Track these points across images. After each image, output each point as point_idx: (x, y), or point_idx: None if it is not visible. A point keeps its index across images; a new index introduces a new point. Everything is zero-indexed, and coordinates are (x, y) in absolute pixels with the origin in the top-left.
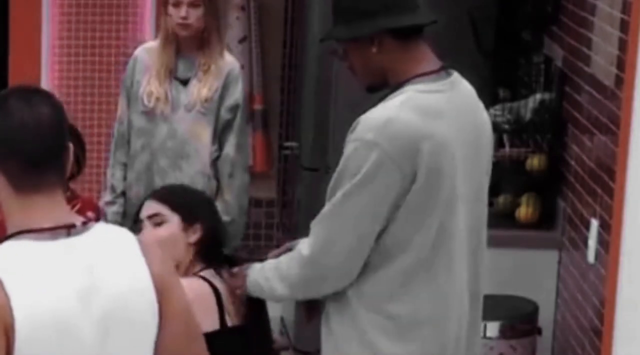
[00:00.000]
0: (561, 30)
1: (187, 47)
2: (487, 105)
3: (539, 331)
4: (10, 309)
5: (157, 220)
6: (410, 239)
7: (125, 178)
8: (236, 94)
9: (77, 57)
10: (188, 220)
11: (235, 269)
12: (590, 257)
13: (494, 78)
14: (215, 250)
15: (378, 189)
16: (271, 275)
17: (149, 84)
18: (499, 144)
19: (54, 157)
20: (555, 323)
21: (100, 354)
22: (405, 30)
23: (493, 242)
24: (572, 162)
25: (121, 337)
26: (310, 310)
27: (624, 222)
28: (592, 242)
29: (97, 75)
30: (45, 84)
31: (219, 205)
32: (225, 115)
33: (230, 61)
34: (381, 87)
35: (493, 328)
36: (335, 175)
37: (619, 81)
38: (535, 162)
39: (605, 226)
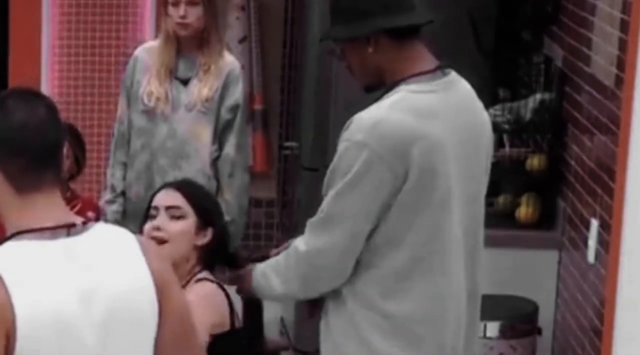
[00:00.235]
0: (561, 30)
1: (188, 47)
2: (487, 105)
3: (539, 331)
4: (11, 309)
5: (176, 213)
6: (403, 237)
7: (125, 177)
8: (236, 94)
9: (77, 57)
10: (203, 223)
11: (241, 271)
12: (590, 257)
13: (494, 78)
14: (218, 258)
15: (369, 189)
16: (270, 275)
17: (149, 84)
18: (499, 144)
19: (53, 156)
20: (555, 323)
21: (100, 353)
22: (401, 30)
23: (493, 242)
24: (572, 162)
25: (121, 336)
26: (312, 306)
27: (624, 222)
28: (592, 242)
29: (97, 75)
30: (45, 84)
31: None
32: (225, 115)
33: (230, 61)
34: (378, 86)
35: (493, 328)
36: (328, 172)
37: (619, 81)
38: (535, 162)
39: (605, 226)
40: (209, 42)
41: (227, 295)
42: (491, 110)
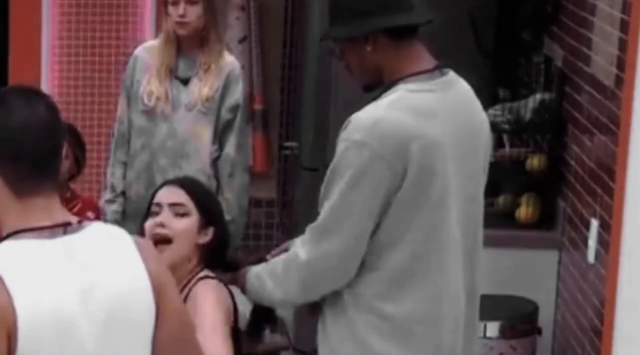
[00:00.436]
0: (561, 30)
1: (188, 47)
2: (487, 105)
3: (539, 331)
4: (12, 309)
5: (181, 211)
6: (402, 237)
7: (125, 177)
8: (237, 94)
9: (77, 57)
10: (205, 221)
11: (235, 274)
12: (590, 257)
13: (494, 78)
14: (218, 258)
15: (369, 188)
16: (268, 281)
17: (149, 83)
18: (499, 144)
19: (53, 160)
20: (555, 323)
21: (98, 352)
22: (400, 30)
23: (493, 242)
24: (572, 162)
25: (119, 335)
26: (313, 306)
27: (624, 222)
28: (592, 242)
29: (97, 75)
30: (45, 84)
31: None
32: (225, 115)
33: (230, 61)
34: (377, 85)
35: (493, 328)
36: (327, 173)
37: (619, 81)
38: (535, 162)
39: (605, 226)
40: (209, 41)
41: (231, 294)
42: (491, 110)
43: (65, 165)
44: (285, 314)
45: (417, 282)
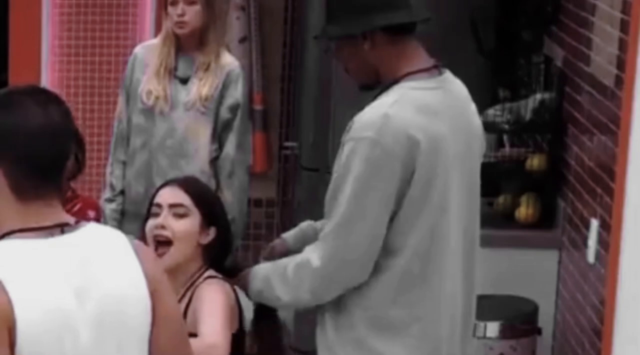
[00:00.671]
0: (561, 30)
1: (187, 46)
2: (487, 105)
3: (539, 331)
4: (11, 308)
5: (181, 211)
6: (406, 239)
7: (124, 176)
8: (236, 94)
9: (77, 57)
10: (206, 221)
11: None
12: (590, 257)
13: (494, 78)
14: (221, 258)
15: (384, 185)
16: (277, 285)
17: (148, 82)
18: (499, 144)
19: (60, 165)
20: (555, 323)
21: (95, 352)
22: (398, 28)
23: (493, 242)
24: (572, 162)
25: (116, 336)
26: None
27: (624, 222)
28: (592, 242)
29: (97, 75)
30: (45, 84)
31: None
32: (225, 114)
33: (230, 61)
34: (374, 84)
35: (493, 328)
36: (335, 179)
37: (619, 81)
38: (535, 162)
39: (605, 226)
40: (208, 41)
41: (236, 295)
42: (491, 110)
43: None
44: (285, 314)
45: (419, 283)
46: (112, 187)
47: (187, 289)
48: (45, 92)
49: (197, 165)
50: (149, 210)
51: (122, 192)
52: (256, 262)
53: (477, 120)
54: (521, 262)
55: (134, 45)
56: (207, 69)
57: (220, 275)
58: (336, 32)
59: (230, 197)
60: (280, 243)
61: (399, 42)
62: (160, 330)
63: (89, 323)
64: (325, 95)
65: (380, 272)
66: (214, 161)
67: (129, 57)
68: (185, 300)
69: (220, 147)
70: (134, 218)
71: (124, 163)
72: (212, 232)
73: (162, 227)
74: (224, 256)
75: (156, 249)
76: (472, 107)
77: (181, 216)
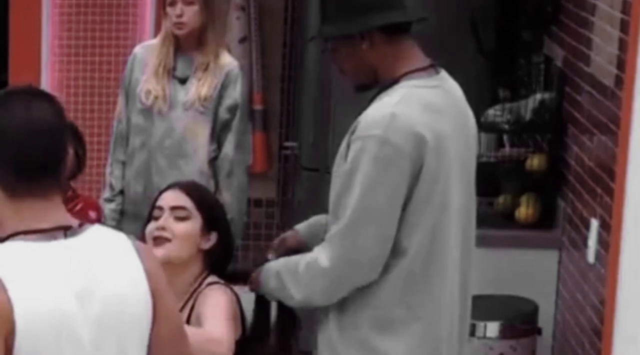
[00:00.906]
0: (561, 30)
1: (186, 46)
2: (487, 105)
3: (539, 331)
4: (11, 310)
5: (182, 214)
6: (409, 239)
7: (123, 176)
8: (235, 94)
9: (77, 57)
10: (208, 226)
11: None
12: (590, 257)
13: (494, 78)
14: (222, 264)
15: (393, 184)
16: (289, 283)
17: (147, 82)
18: (499, 144)
19: (49, 164)
20: (555, 323)
21: (96, 353)
22: (395, 27)
23: (493, 242)
24: (572, 162)
25: (116, 337)
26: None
27: (624, 222)
28: (592, 242)
29: (97, 75)
30: (45, 84)
31: None
32: (224, 115)
33: (229, 61)
34: (372, 85)
35: (493, 328)
36: (342, 175)
37: (619, 81)
38: (535, 162)
39: (605, 226)
40: (207, 41)
41: (239, 301)
42: (491, 110)
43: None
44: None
45: (421, 283)
46: (112, 187)
47: (190, 297)
48: (33, 91)
49: (196, 165)
50: (150, 213)
51: (122, 192)
52: (256, 262)
53: (472, 120)
54: (521, 262)
55: (134, 45)
56: (206, 69)
57: (222, 281)
58: (333, 33)
59: (229, 198)
60: (292, 234)
61: (396, 42)
62: (161, 328)
63: (89, 324)
64: (325, 95)
65: (386, 271)
66: (213, 161)
67: (129, 57)
68: (188, 307)
69: (219, 147)
70: (133, 218)
71: (123, 163)
72: (213, 238)
73: (163, 228)
74: (226, 262)
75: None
76: (468, 107)
77: (182, 219)
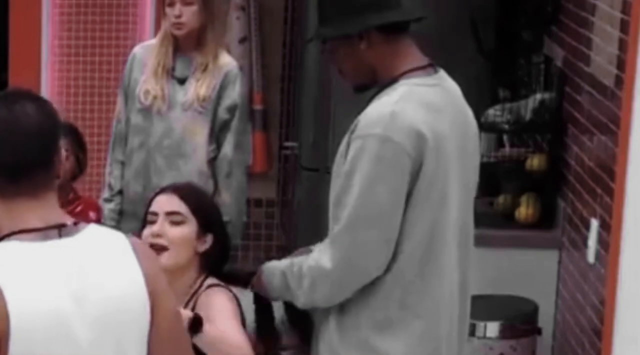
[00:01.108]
0: (561, 30)
1: (185, 46)
2: (487, 105)
3: (539, 331)
4: (5, 310)
5: (177, 219)
6: (408, 237)
7: (122, 176)
8: (234, 94)
9: (77, 57)
10: (203, 229)
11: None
12: (590, 257)
13: (494, 78)
14: (219, 266)
15: (394, 181)
16: (292, 284)
17: (146, 82)
18: (499, 144)
19: (37, 164)
20: (555, 323)
21: (93, 353)
22: (393, 26)
23: (493, 242)
24: (572, 162)
25: (114, 337)
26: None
27: (624, 222)
28: (592, 242)
29: (97, 75)
30: (45, 84)
31: None
32: (223, 115)
33: (228, 62)
34: (370, 85)
35: (493, 328)
36: (342, 178)
37: (619, 81)
38: (535, 162)
39: (605, 226)
40: (205, 42)
41: (238, 303)
42: (491, 110)
43: (67, 165)
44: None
45: (420, 282)
46: (111, 187)
47: (189, 299)
48: (17, 93)
49: (194, 166)
50: (145, 218)
51: (121, 192)
52: (256, 262)
53: (472, 119)
54: (521, 262)
55: (133, 45)
56: (205, 69)
57: (222, 283)
58: (331, 33)
59: (229, 198)
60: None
61: (394, 41)
62: (160, 328)
63: (87, 325)
64: (325, 95)
65: (387, 270)
66: (212, 161)
67: (129, 57)
68: (188, 310)
69: (218, 147)
70: (132, 218)
71: (123, 163)
72: (209, 240)
73: (158, 235)
74: (222, 263)
75: None
76: (467, 106)
77: (177, 224)
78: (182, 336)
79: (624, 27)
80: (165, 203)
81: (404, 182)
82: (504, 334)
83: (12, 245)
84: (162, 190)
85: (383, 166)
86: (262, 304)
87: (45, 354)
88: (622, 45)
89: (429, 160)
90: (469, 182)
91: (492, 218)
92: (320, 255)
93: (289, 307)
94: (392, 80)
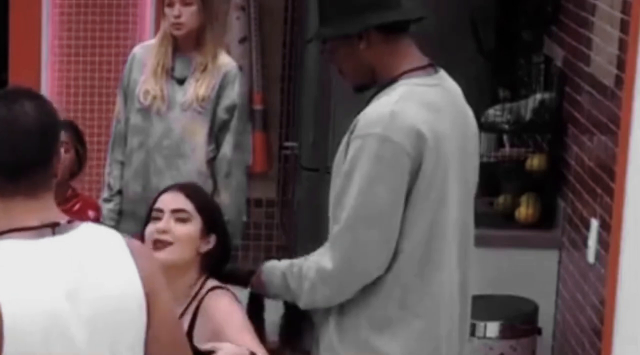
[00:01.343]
0: (561, 30)
1: (184, 47)
2: (487, 105)
3: (539, 331)
4: None
5: (183, 216)
6: (408, 237)
7: (122, 176)
8: (233, 94)
9: (77, 57)
10: (207, 228)
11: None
12: (590, 257)
13: (494, 78)
14: (219, 267)
15: (394, 181)
16: (293, 285)
17: (145, 82)
18: (499, 144)
19: (36, 163)
20: (555, 323)
21: (89, 352)
22: (392, 26)
23: (493, 242)
24: (572, 162)
25: (111, 337)
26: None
27: (624, 222)
28: (592, 242)
29: (97, 75)
30: (45, 84)
31: None
32: (222, 115)
33: (228, 62)
34: (370, 84)
35: (493, 328)
36: (341, 177)
37: (619, 81)
38: (535, 162)
39: (605, 226)
40: (205, 42)
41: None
42: (491, 110)
43: (67, 160)
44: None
45: (419, 281)
46: (110, 187)
47: (191, 301)
48: (16, 91)
49: (194, 166)
50: (148, 215)
51: (120, 192)
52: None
53: (472, 119)
54: (521, 262)
55: (133, 45)
56: (204, 69)
57: (223, 285)
58: (331, 34)
59: (228, 198)
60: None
61: (394, 41)
62: (157, 328)
63: (81, 324)
64: (325, 95)
65: (386, 270)
66: (212, 162)
67: (128, 57)
68: (190, 312)
69: (218, 147)
70: (131, 217)
71: (122, 163)
72: (212, 240)
73: (164, 231)
74: (223, 264)
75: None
76: (467, 106)
77: (183, 221)
78: (180, 337)
79: (624, 27)
80: (171, 200)
81: (403, 182)
82: (504, 334)
83: (5, 244)
84: (167, 189)
85: (382, 166)
86: (255, 305)
87: (40, 351)
88: (622, 45)
89: (429, 160)
90: (468, 182)
91: (492, 218)
92: (320, 257)
93: (290, 307)
94: (392, 80)
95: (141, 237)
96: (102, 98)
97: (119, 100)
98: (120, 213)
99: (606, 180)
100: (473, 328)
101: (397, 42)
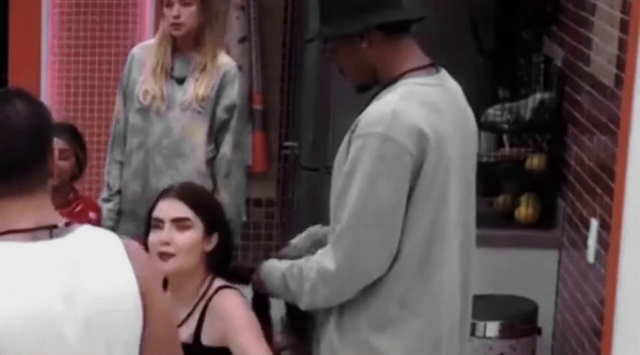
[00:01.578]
0: (561, 30)
1: (184, 47)
2: (487, 105)
3: (539, 331)
4: None
5: (185, 225)
6: (408, 236)
7: (121, 176)
8: (233, 94)
9: (77, 57)
10: (209, 229)
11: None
12: (590, 257)
13: (494, 78)
14: (224, 264)
15: (396, 180)
16: (293, 286)
17: (145, 83)
18: (499, 144)
19: (26, 163)
20: (555, 323)
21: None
22: (394, 26)
23: (493, 242)
24: (572, 162)
25: (106, 339)
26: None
27: (624, 222)
28: (592, 242)
29: (97, 75)
30: (45, 84)
31: None
32: (221, 115)
33: (227, 62)
34: (372, 84)
35: (493, 328)
36: (342, 177)
37: (619, 81)
38: (535, 162)
39: (605, 226)
40: (204, 42)
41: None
42: (491, 110)
43: (67, 165)
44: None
45: (419, 281)
46: (109, 187)
47: (199, 301)
48: (8, 91)
49: (193, 166)
50: (148, 222)
51: (119, 192)
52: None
53: (472, 119)
54: (521, 262)
55: (133, 45)
56: (203, 69)
57: (230, 284)
58: (332, 33)
59: (228, 198)
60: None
61: (395, 41)
62: (153, 330)
63: (77, 326)
64: (325, 95)
65: (387, 270)
66: (211, 162)
67: (128, 57)
68: (198, 311)
69: (217, 147)
70: (131, 218)
71: (121, 163)
72: (215, 239)
73: (167, 243)
74: (228, 261)
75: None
76: (468, 106)
77: (185, 229)
78: (176, 339)
79: (624, 27)
80: (170, 209)
81: (405, 182)
82: (504, 334)
83: (1, 246)
84: (164, 195)
85: (384, 166)
86: (260, 302)
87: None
88: (622, 45)
89: (431, 159)
90: (469, 182)
91: (492, 218)
92: (323, 258)
93: (291, 307)
94: (393, 80)
95: (141, 240)
96: (102, 98)
97: (119, 100)
98: (119, 213)
99: (606, 180)
100: (473, 328)
101: (399, 42)
